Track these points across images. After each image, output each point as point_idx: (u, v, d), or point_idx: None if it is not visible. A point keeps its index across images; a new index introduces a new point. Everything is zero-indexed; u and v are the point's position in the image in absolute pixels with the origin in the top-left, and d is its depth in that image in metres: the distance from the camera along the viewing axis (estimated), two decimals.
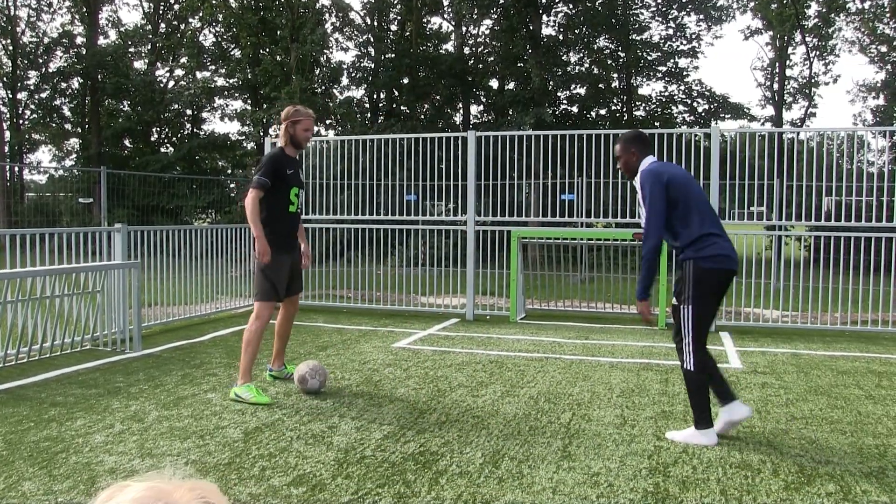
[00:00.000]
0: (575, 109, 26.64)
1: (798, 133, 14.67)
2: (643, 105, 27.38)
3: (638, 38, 26.39)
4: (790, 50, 26.77)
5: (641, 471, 4.04)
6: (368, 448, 4.44)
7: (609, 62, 26.80)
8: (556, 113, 25.12)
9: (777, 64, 26.63)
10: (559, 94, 26.43)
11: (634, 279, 11.03)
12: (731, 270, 4.64)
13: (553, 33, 26.19)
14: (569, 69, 25.85)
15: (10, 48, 29.45)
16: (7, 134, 29.40)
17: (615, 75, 27.32)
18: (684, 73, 26.74)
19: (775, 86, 26.74)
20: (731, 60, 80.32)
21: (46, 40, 30.09)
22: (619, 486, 3.82)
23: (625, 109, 26.66)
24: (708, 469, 4.09)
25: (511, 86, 27.15)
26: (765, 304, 9.34)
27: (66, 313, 7.34)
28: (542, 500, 3.63)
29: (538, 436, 4.68)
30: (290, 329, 6.35)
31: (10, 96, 29.76)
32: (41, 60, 30.11)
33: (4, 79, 29.62)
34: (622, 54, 26.54)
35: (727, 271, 4.61)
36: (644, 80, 27.70)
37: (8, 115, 29.75)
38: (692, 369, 4.62)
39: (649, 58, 26.88)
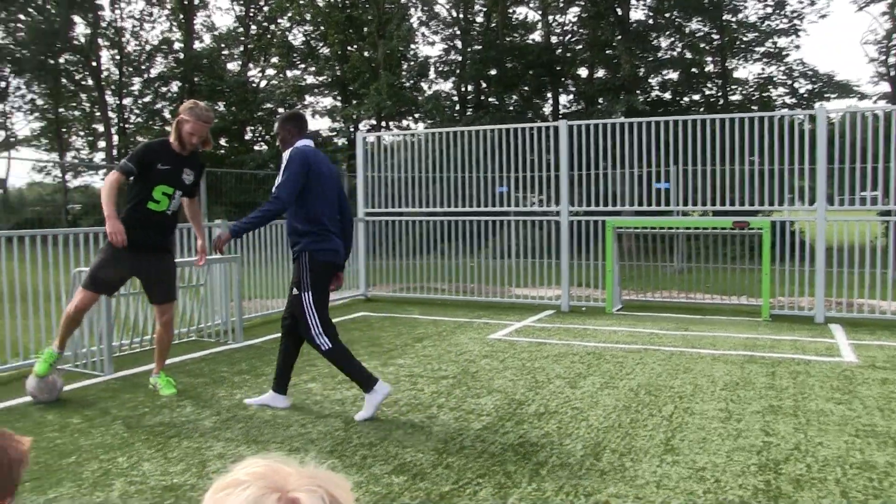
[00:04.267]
0: (667, 95, 26.04)
1: None
2: (739, 89, 26.49)
3: (733, 18, 25.50)
4: None
5: (750, 467, 3.89)
6: (468, 438, 4.42)
7: (702, 45, 26.04)
8: (648, 100, 24.60)
9: (894, 36, 25.24)
10: (650, 80, 25.88)
11: (734, 269, 10.73)
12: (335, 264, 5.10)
13: (642, 18, 25.67)
14: (659, 54, 25.27)
15: (117, 57, 30.81)
16: (115, 138, 30.79)
17: (709, 59, 26.53)
18: (784, 52, 25.69)
19: (891, 59, 25.38)
20: (836, 35, 76.63)
21: (148, 48, 31.34)
22: (727, 482, 3.69)
23: (720, 94, 25.88)
24: (825, 468, 3.89)
25: (600, 73, 26.75)
26: (882, 296, 8.89)
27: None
28: (646, 493, 3.55)
29: (639, 428, 4.58)
30: (166, 340, 5.60)
31: (118, 102, 31.12)
32: (143, 67, 31.38)
33: (112, 87, 30.99)
34: (716, 36, 25.74)
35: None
36: (740, 62, 26.78)
37: (116, 121, 31.15)
38: (328, 347, 4.92)
39: (745, 38, 25.95)
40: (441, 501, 3.50)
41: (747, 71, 46.62)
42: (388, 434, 4.53)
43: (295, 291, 4.99)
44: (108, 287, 5.36)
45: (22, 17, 28.32)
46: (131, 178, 5.19)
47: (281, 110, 31.88)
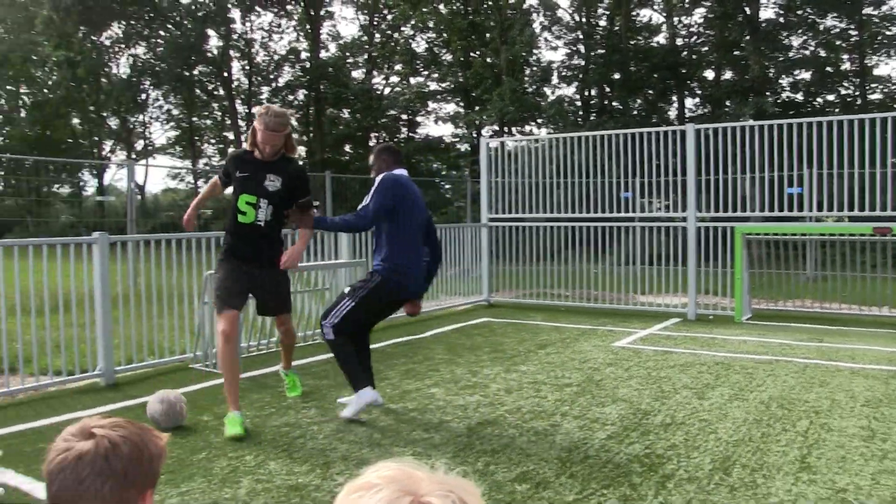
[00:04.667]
0: (799, 97, 24.98)
1: None
2: (880, 87, 25.15)
3: (875, 12, 24.18)
4: None
5: None
6: (592, 448, 4.38)
7: (838, 42, 24.86)
8: (778, 101, 23.66)
9: None
10: (781, 81, 24.89)
11: (874, 278, 10.20)
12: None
13: (773, 16, 24.70)
14: (791, 54, 24.27)
15: (247, 68, 32.15)
16: (244, 146, 32.10)
17: (845, 56, 25.31)
18: None
19: None
20: None
21: (276, 58, 32.53)
22: None
23: (857, 93, 24.65)
24: None
25: (727, 75, 25.93)
26: None
27: (299, 309, 7.83)
28: None
29: (772, 443, 4.41)
30: (288, 343, 5.55)
31: (247, 111, 32.47)
32: (272, 76, 32.60)
33: (242, 96, 32.37)
34: (854, 32, 24.53)
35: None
36: (882, 58, 25.40)
37: (245, 128, 32.50)
38: (331, 338, 5.05)
39: (888, 33, 24.60)
40: None
41: (889, 67, 44.27)
42: (511, 441, 4.54)
43: (346, 290, 5.18)
44: (233, 302, 4.87)
45: (161, 32, 29.94)
46: (227, 185, 5.18)
47: (404, 117, 32.50)
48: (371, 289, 5.03)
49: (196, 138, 35.80)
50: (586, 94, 27.96)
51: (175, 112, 34.62)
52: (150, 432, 1.57)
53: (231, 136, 33.00)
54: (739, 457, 4.18)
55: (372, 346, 7.62)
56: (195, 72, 31.31)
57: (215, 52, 30.98)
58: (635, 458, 4.20)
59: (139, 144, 35.46)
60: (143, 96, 32.31)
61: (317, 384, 6.09)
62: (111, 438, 1.49)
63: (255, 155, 4.90)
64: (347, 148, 32.76)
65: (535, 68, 27.48)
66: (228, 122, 32.86)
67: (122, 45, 31.00)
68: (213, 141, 36.71)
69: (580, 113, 27.13)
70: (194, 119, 34.81)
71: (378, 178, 5.11)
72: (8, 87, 36.00)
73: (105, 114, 32.68)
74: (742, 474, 3.91)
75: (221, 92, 32.24)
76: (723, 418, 4.96)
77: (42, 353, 6.08)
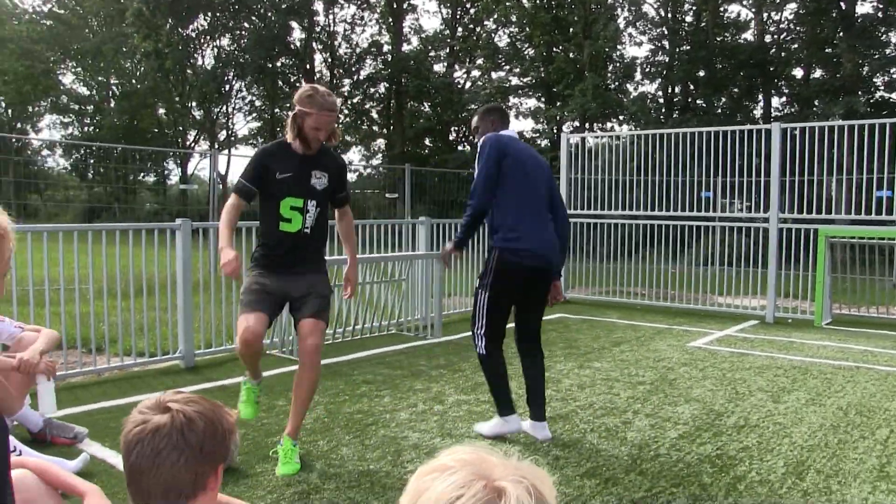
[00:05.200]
0: (894, 97, 24.05)
1: None
2: None
3: None
4: None
5: None
6: (663, 446, 4.39)
7: None
8: (871, 101, 22.85)
9: None
10: (875, 79, 24.02)
11: None
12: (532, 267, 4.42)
13: (870, 11, 23.83)
14: (888, 51, 23.39)
15: (329, 60, 32.66)
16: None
17: None
18: None
19: None
20: None
21: (358, 50, 32.94)
22: None
23: None
24: None
25: (817, 74, 25.15)
26: None
27: (375, 300, 7.99)
28: None
29: (849, 450, 4.34)
30: (307, 382, 4.00)
31: None
32: (353, 69, 33.02)
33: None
34: None
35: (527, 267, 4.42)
36: None
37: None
38: (483, 353, 4.50)
39: None
40: None
41: None
42: (582, 436, 4.58)
43: (477, 284, 4.55)
44: (262, 305, 3.96)
45: (246, 24, 30.63)
46: (253, 198, 4.09)
47: None
48: (494, 268, 4.36)
49: (277, 129, 36.50)
50: (670, 91, 27.50)
51: (257, 103, 35.36)
52: (221, 409, 1.67)
53: None
54: (814, 462, 4.14)
55: (447, 338, 7.77)
56: (278, 63, 31.90)
57: (298, 44, 31.53)
58: (706, 458, 4.19)
59: (222, 135, 36.35)
60: (227, 87, 33.11)
61: (390, 373, 6.21)
62: (186, 413, 1.58)
63: (295, 148, 4.05)
64: (427, 141, 32.96)
65: (618, 64, 27.15)
66: None
67: (208, 37, 31.80)
68: None
69: (663, 110, 26.70)
70: (276, 110, 35.50)
71: (480, 144, 4.48)
72: (99, 79, 37.48)
73: (190, 104, 33.61)
74: (816, 479, 3.88)
75: (303, 84, 32.77)
76: (798, 423, 4.90)
77: (126, 334, 6.35)
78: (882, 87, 24.26)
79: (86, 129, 38.11)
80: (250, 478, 3.81)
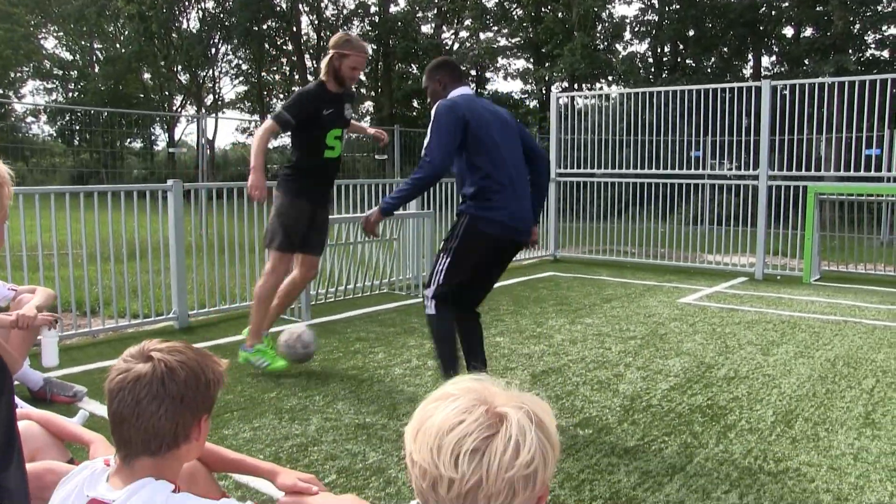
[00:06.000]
0: (885, 54, 24.01)
1: None
2: None
3: None
4: None
5: None
6: (655, 397, 4.46)
7: None
8: (861, 59, 22.81)
9: None
10: (866, 37, 23.96)
11: None
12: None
13: None
14: (880, 7, 23.32)
15: (316, 22, 32.33)
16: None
17: None
18: None
19: None
20: None
21: (345, 12, 32.64)
22: None
23: None
24: None
25: (808, 32, 25.08)
26: None
27: (367, 259, 8.03)
28: (842, 465, 3.47)
29: (836, 399, 4.43)
30: (295, 296, 5.30)
31: (315, 66, 32.68)
32: (341, 31, 32.63)
33: (311, 51, 32.61)
34: None
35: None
36: None
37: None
38: (432, 312, 4.13)
39: None
40: (626, 456, 3.58)
41: None
42: (574, 389, 4.65)
43: (440, 247, 4.23)
44: (296, 242, 4.92)
45: None
46: (287, 129, 4.85)
47: (473, 72, 32.30)
48: (462, 235, 4.05)
49: (265, 93, 36.23)
50: (659, 50, 27.39)
51: (244, 67, 35.05)
52: (209, 358, 1.67)
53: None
54: (802, 411, 4.23)
55: None
56: (264, 26, 31.59)
57: (284, 6, 31.17)
58: (697, 408, 4.27)
59: (209, 99, 36.04)
60: (213, 51, 32.77)
61: (384, 331, 6.27)
62: (168, 363, 1.59)
63: (330, 88, 4.85)
64: (415, 103, 32.74)
65: (606, 24, 26.98)
66: (297, 76, 33.11)
67: None
68: (281, 96, 37.04)
69: (652, 70, 26.60)
70: (263, 74, 35.19)
71: (433, 112, 4.07)
72: (82, 43, 36.99)
73: (176, 68, 33.26)
74: (804, 427, 3.96)
75: (290, 47, 32.50)
76: (787, 374, 4.98)
77: (120, 296, 6.36)
78: (873, 45, 24.22)
79: (70, 94, 37.68)
80: (249, 431, 3.86)
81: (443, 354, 4.18)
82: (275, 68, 35.58)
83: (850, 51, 21.67)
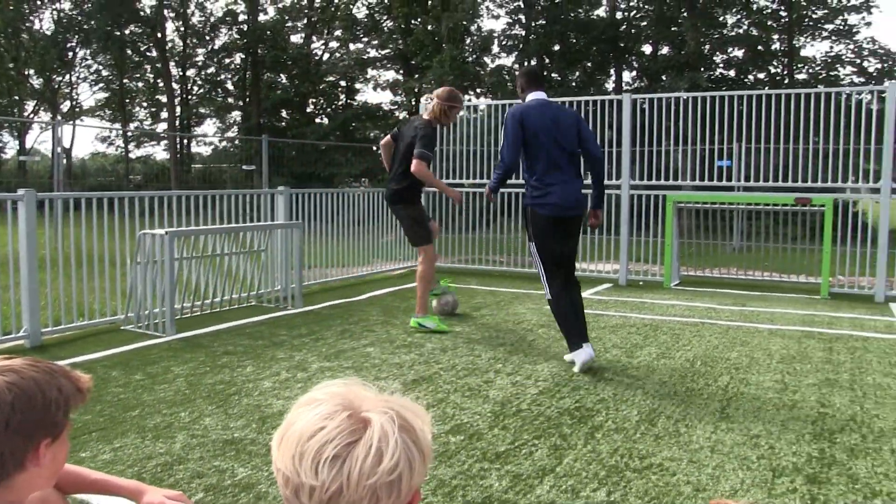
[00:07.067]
0: (732, 73, 25.53)
1: None
2: (806, 67, 25.91)
3: None
4: None
5: (805, 436, 3.93)
6: (524, 402, 4.53)
7: (769, 23, 25.49)
8: (712, 77, 24.19)
9: None
10: (715, 57, 25.39)
11: (794, 249, 10.65)
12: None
13: None
14: (725, 31, 24.76)
15: (182, 28, 31.34)
16: (178, 109, 31.36)
17: (775, 36, 25.97)
18: (854, 30, 25.04)
19: None
20: None
21: (213, 19, 31.81)
22: (781, 448, 3.74)
23: (785, 72, 25.32)
24: (880, 439, 3.90)
25: (665, 50, 26.34)
26: None
27: (234, 271, 7.82)
28: (700, 458, 3.61)
29: (695, 397, 4.63)
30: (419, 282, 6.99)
31: (181, 73, 31.72)
32: (208, 38, 31.87)
33: (176, 58, 31.57)
34: (784, 13, 25.16)
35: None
36: (808, 40, 26.19)
37: (178, 92, 31.70)
38: (550, 297, 5.44)
39: (815, 15, 25.33)
40: (497, 460, 3.60)
41: (815, 49, 45.62)
42: (445, 396, 4.66)
43: (526, 238, 5.60)
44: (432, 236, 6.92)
45: None
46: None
47: (343, 83, 32.14)
48: (531, 221, 5.40)
49: (127, 101, 34.78)
50: (526, 64, 28.06)
51: (105, 73, 33.55)
52: (58, 375, 1.50)
53: (164, 98, 32.04)
54: (664, 409, 4.39)
55: (308, 308, 7.72)
56: (126, 31, 30.39)
57: (148, 10, 30.10)
58: (566, 411, 4.36)
59: (65, 106, 34.26)
60: (70, 55, 31.24)
61: (252, 344, 6.11)
62: None
63: (434, 126, 6.68)
64: (284, 113, 32.24)
65: (475, 37, 27.45)
66: (161, 84, 31.97)
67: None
68: (144, 104, 35.66)
69: None
70: (125, 81, 33.78)
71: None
72: None
73: (28, 72, 31.47)
74: (666, 424, 4.11)
75: (154, 53, 31.37)
76: (650, 374, 5.17)
77: None
78: (721, 65, 25.70)
79: None
80: (109, 452, 3.67)
81: (564, 327, 5.33)
82: (138, 75, 34.19)
83: (703, 68, 22.90)
